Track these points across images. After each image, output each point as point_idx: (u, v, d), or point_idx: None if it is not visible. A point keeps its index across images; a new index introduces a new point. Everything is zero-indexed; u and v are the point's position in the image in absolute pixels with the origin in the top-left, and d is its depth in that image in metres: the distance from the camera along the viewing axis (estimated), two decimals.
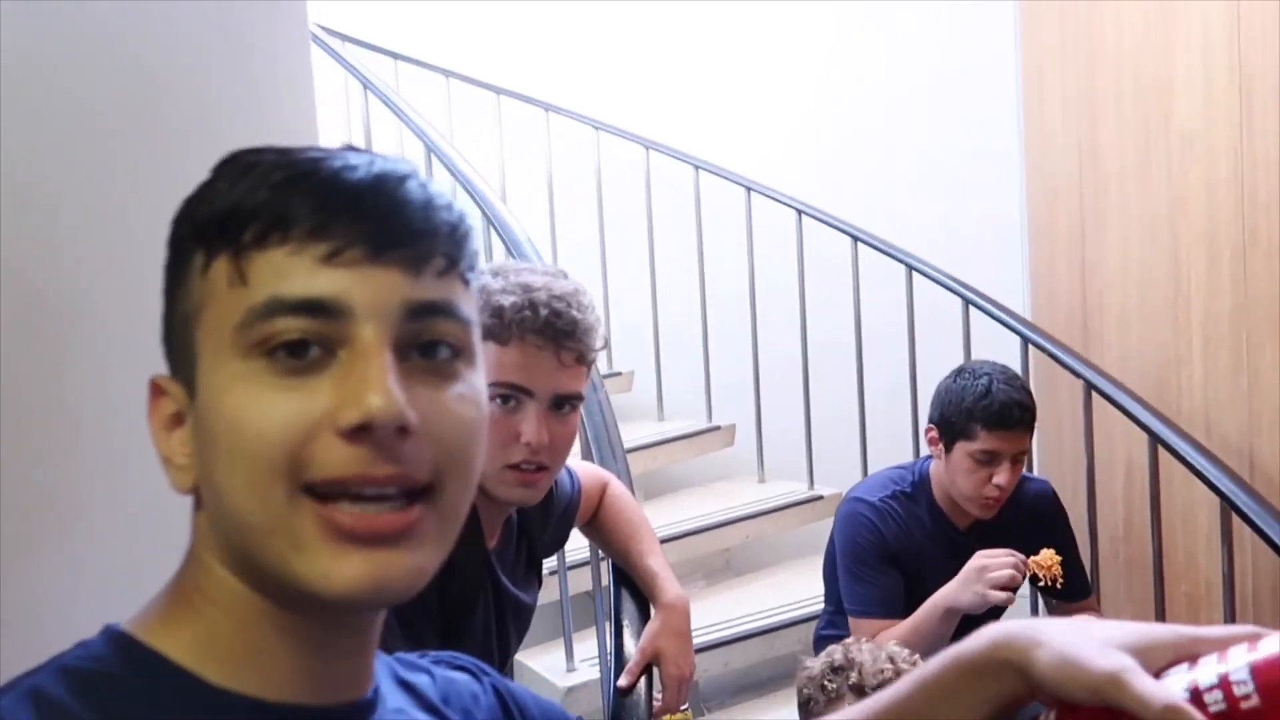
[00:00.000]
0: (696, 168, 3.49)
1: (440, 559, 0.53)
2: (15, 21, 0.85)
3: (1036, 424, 2.08)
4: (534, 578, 1.47)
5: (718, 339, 3.52)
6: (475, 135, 3.57)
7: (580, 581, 2.50)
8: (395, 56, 3.65)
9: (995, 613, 1.87)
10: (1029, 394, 2.07)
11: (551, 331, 1.21)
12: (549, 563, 2.47)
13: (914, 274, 3.00)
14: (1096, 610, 2.26)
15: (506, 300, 1.21)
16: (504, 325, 1.21)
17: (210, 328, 0.50)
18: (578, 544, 2.45)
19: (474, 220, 0.55)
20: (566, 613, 2.39)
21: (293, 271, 0.49)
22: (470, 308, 0.54)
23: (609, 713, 1.57)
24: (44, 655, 0.53)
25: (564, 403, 1.25)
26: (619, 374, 3.66)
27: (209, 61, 1.04)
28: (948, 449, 2.03)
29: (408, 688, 0.63)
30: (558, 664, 2.36)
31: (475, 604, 1.29)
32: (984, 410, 1.98)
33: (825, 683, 1.46)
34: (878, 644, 1.51)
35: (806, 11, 3.82)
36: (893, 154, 3.82)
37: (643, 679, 1.58)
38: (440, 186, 0.54)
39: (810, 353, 3.32)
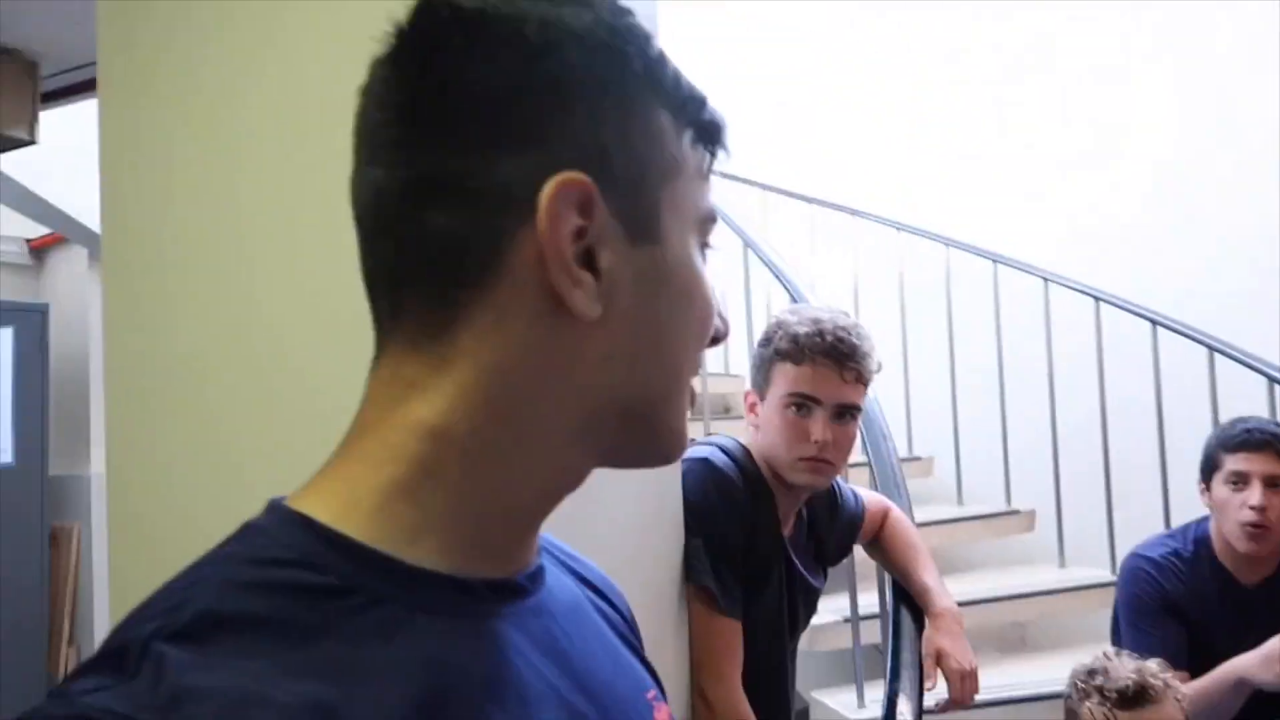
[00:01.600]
0: (995, 261, 3.69)
1: None
2: None
3: None
4: (820, 570, 1.75)
5: (1016, 423, 3.63)
6: (788, 238, 3.97)
7: (871, 634, 2.70)
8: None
9: None
10: None
11: (836, 353, 1.53)
12: (843, 610, 2.71)
13: (1215, 355, 3.02)
14: None
15: (801, 330, 1.55)
16: (799, 349, 1.54)
17: (679, 197, 0.54)
18: (869, 600, 2.67)
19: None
20: (858, 657, 2.61)
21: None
22: None
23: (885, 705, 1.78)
24: None
25: (845, 412, 1.56)
26: (919, 459, 3.84)
27: None
28: (1210, 491, 2.12)
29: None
30: (850, 701, 2.57)
31: (770, 576, 1.59)
32: (1228, 437, 2.09)
33: (1079, 681, 1.60)
34: (1137, 659, 1.62)
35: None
36: (1189, 235, 3.82)
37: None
38: None
39: (1110, 436, 3.36)
